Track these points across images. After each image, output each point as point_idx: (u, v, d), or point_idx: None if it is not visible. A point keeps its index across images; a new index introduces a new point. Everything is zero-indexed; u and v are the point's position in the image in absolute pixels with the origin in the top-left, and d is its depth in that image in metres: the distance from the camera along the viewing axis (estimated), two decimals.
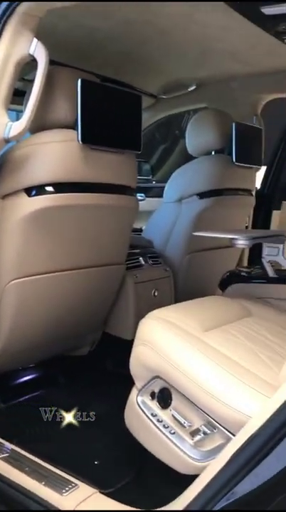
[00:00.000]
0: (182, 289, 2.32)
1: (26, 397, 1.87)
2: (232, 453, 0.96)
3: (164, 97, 2.67)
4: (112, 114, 1.63)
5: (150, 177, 3.54)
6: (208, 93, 2.56)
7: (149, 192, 3.27)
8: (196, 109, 2.81)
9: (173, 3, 1.60)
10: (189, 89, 2.56)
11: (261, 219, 2.77)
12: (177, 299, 2.28)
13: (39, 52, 1.40)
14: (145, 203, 3.03)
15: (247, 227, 2.66)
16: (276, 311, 1.67)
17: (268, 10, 1.57)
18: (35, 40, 1.41)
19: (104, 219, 1.74)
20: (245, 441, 0.93)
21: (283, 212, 2.79)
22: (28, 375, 2.00)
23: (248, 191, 2.46)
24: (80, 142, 1.53)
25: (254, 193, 2.52)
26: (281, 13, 1.57)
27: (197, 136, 2.30)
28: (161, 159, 3.95)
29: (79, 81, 1.50)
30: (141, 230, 2.79)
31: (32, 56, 1.41)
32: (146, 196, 3.16)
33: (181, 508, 1.09)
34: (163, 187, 2.41)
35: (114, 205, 1.74)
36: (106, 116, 1.61)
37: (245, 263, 2.67)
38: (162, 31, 1.87)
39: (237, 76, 2.41)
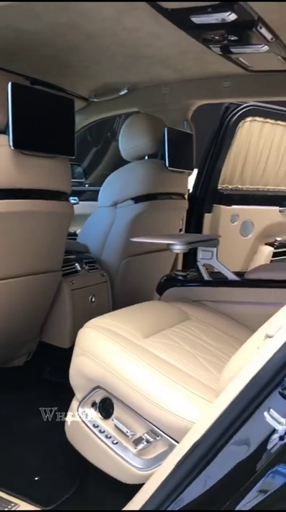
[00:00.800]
0: (119, 294, 2.31)
1: None
2: (178, 460, 0.96)
3: (96, 100, 2.65)
4: (45, 119, 1.59)
5: (83, 180, 3.50)
6: (140, 97, 2.57)
7: (82, 195, 3.23)
8: (128, 112, 2.82)
9: (102, 7, 1.58)
10: (121, 93, 2.56)
11: (194, 222, 2.82)
12: (115, 305, 2.27)
13: None
14: (79, 206, 2.99)
15: (181, 230, 2.70)
16: (212, 314, 1.71)
17: (197, 19, 1.61)
18: None
19: (39, 226, 1.70)
20: (190, 449, 0.94)
21: (214, 215, 2.86)
22: None
23: (181, 195, 2.50)
24: (12, 147, 1.48)
25: (186, 196, 2.56)
26: (209, 22, 1.61)
27: (130, 141, 2.30)
28: (94, 162, 3.93)
29: (9, 84, 1.45)
30: (75, 235, 2.75)
31: None
32: (80, 200, 3.12)
33: None
34: (97, 190, 2.39)
35: (48, 212, 1.70)
36: (38, 120, 1.57)
37: (180, 266, 2.71)
38: (91, 35, 1.85)
39: (168, 81, 2.44)
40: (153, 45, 1.95)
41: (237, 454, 0.87)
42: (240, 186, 2.90)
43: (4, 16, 1.65)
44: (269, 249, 3.05)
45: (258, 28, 1.62)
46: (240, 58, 2.00)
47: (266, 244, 3.09)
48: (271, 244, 3.09)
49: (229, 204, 2.85)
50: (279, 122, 2.86)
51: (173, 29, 1.71)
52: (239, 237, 2.93)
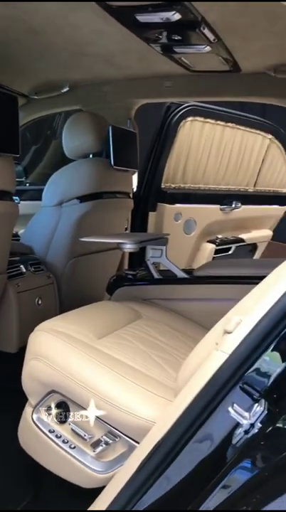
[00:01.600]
0: (67, 296, 2.27)
1: None
2: (140, 461, 0.95)
3: (36, 97, 2.59)
4: None
5: (23, 179, 3.41)
6: (82, 95, 2.54)
7: (23, 195, 3.14)
8: (69, 110, 2.77)
9: (48, 2, 1.55)
10: (62, 91, 2.51)
11: (138, 221, 2.82)
12: (62, 306, 2.23)
13: None
14: (20, 206, 2.90)
15: (126, 229, 2.70)
16: (164, 312, 1.72)
17: (142, 17, 1.61)
18: None
19: None
20: (152, 448, 0.94)
21: (158, 214, 2.88)
22: None
23: (126, 194, 2.50)
24: None
25: (131, 195, 2.57)
26: (154, 21, 1.62)
27: (74, 139, 2.27)
28: (34, 161, 3.83)
29: None
30: (17, 236, 2.67)
31: None
32: (21, 199, 3.04)
33: None
34: (39, 189, 2.33)
35: None
36: None
37: (126, 265, 2.70)
38: (34, 30, 1.80)
39: (111, 80, 2.43)
40: (96, 43, 1.92)
41: (202, 451, 0.88)
42: (182, 185, 2.94)
43: None
44: (212, 247, 3.11)
45: (201, 28, 1.65)
46: (183, 58, 2.03)
47: (208, 241, 3.16)
48: (213, 242, 3.15)
49: (172, 203, 2.88)
50: (218, 122, 2.92)
51: (117, 27, 1.70)
52: (182, 235, 2.97)
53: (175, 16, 1.54)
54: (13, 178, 1.72)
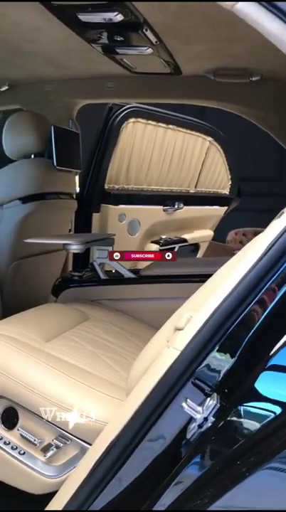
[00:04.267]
0: (9, 300, 2.20)
1: None
2: (93, 463, 0.94)
3: None
4: None
5: None
6: (22, 94, 2.49)
7: None
8: (8, 110, 2.70)
9: None
10: (1, 89, 2.45)
11: (82, 222, 2.80)
12: (5, 311, 2.16)
13: None
14: None
15: (70, 230, 2.67)
16: (111, 312, 1.71)
17: (84, 17, 1.60)
18: None
19: None
20: (105, 450, 0.93)
21: (102, 215, 2.87)
22: None
23: (70, 195, 2.47)
24: None
25: (74, 196, 2.54)
26: (96, 21, 1.62)
27: (15, 139, 2.21)
28: None
29: None
30: None
31: None
32: None
33: None
34: None
35: None
36: None
37: (71, 267, 2.67)
38: None
39: (51, 79, 2.39)
40: (36, 41, 1.89)
41: (155, 449, 0.88)
42: (126, 186, 2.94)
43: None
44: (156, 247, 3.14)
45: (144, 30, 1.66)
46: (125, 59, 2.04)
47: (152, 242, 3.18)
48: (157, 242, 3.18)
49: (116, 204, 2.88)
50: (160, 124, 2.96)
51: (58, 25, 1.68)
52: (127, 236, 2.97)
53: (117, 17, 1.55)
54: None
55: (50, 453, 1.17)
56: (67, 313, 1.60)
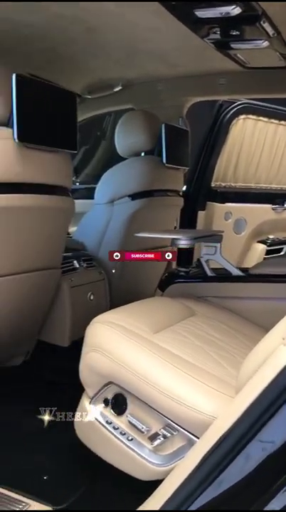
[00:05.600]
0: (117, 292, 2.29)
1: None
2: (202, 455, 0.94)
3: (89, 97, 2.62)
4: (48, 112, 1.56)
5: (73, 178, 3.45)
6: (135, 94, 2.56)
7: (73, 194, 3.18)
8: (121, 110, 2.79)
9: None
10: (115, 90, 2.53)
11: (187, 219, 2.81)
12: (112, 302, 2.25)
13: None
14: None
15: (175, 227, 2.69)
16: (217, 309, 1.70)
17: (201, 13, 1.60)
18: None
19: (41, 221, 1.66)
20: (215, 443, 0.92)
21: (208, 213, 2.86)
22: None
23: (177, 192, 2.49)
24: (16, 140, 1.45)
25: (181, 193, 2.56)
26: (214, 16, 1.60)
27: (126, 137, 2.28)
28: (84, 160, 3.89)
29: (13, 76, 1.42)
30: (68, 234, 2.71)
31: None
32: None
33: None
34: (89, 188, 2.36)
35: (50, 207, 1.67)
36: (42, 113, 1.54)
37: (175, 264, 2.69)
38: (90, 29, 1.82)
39: (163, 78, 2.43)
40: (151, 40, 1.93)
41: (266, 449, 0.86)
42: (233, 184, 2.90)
43: (4, 9, 1.61)
44: (262, 247, 3.06)
45: (261, 22, 1.62)
46: (238, 54, 2.00)
47: (258, 242, 3.11)
48: (263, 242, 3.10)
49: (222, 201, 2.85)
50: (272, 121, 2.88)
51: (174, 23, 1.70)
52: (232, 235, 2.93)
53: (235, 10, 1.52)
54: (70, 174, 1.75)
55: (157, 442, 1.19)
56: (174, 308, 1.61)
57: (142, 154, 2.38)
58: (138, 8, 1.61)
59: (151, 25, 1.77)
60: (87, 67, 2.32)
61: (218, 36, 1.80)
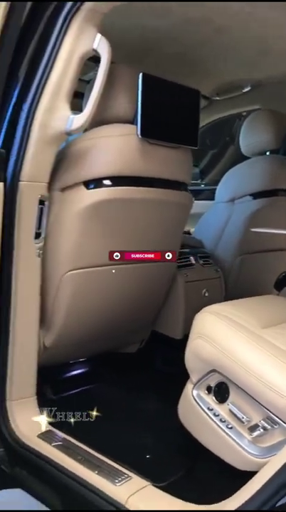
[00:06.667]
0: (232, 291, 2.28)
1: (76, 390, 1.88)
2: None
3: (218, 98, 2.65)
4: (171, 109, 1.63)
5: (199, 181, 3.52)
6: (263, 94, 2.52)
7: (197, 195, 3.24)
8: (248, 111, 2.78)
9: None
10: (244, 91, 2.53)
11: None
12: (227, 299, 2.25)
13: (102, 47, 1.41)
14: (193, 205, 3.01)
15: None
16: None
17: None
18: (98, 35, 1.42)
19: (159, 214, 1.74)
20: None
21: None
22: (78, 369, 2.01)
23: None
24: (139, 136, 1.54)
25: None
26: None
27: (251, 136, 2.28)
28: (210, 164, 3.94)
29: (140, 75, 1.51)
30: (189, 233, 2.77)
31: (95, 51, 1.43)
32: (195, 199, 3.14)
33: (236, 506, 1.06)
34: (213, 190, 2.38)
35: (169, 201, 1.74)
36: (165, 110, 1.61)
37: None
38: (221, 30, 1.84)
39: None
40: (284, 37, 1.89)
41: None
42: None
43: (136, 13, 1.71)
44: None
45: None
46: None
47: None
48: None
49: None
50: None
51: None
52: None
53: None
54: (190, 170, 1.80)
55: (257, 433, 1.18)
56: None
57: (267, 154, 2.34)
58: (268, 4, 1.60)
59: (283, 21, 1.74)
60: (217, 69, 2.34)
61: None
